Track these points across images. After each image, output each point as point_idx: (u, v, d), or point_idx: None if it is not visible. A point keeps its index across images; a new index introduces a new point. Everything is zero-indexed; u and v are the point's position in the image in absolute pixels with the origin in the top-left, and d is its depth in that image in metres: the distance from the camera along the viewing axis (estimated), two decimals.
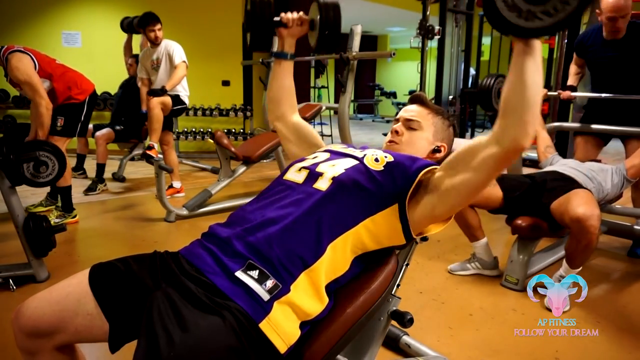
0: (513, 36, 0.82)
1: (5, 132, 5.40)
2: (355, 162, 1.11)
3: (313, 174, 1.10)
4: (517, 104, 0.88)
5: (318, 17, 1.30)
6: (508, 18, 0.73)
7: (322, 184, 1.05)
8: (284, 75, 1.40)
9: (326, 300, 0.99)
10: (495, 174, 0.97)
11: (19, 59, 2.80)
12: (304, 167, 1.14)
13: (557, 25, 0.73)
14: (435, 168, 1.08)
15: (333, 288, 1.02)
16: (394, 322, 1.21)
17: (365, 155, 1.13)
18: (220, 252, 0.97)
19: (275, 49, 1.40)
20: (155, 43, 3.84)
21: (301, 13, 1.34)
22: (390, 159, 1.11)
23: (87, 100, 3.15)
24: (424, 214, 1.06)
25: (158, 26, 3.78)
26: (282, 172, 1.20)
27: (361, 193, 1.03)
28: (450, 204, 1.04)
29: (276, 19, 1.32)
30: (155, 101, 3.66)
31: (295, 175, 1.13)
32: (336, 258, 0.98)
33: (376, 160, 1.10)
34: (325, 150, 1.23)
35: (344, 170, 1.08)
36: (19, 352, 0.98)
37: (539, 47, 0.86)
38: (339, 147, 1.24)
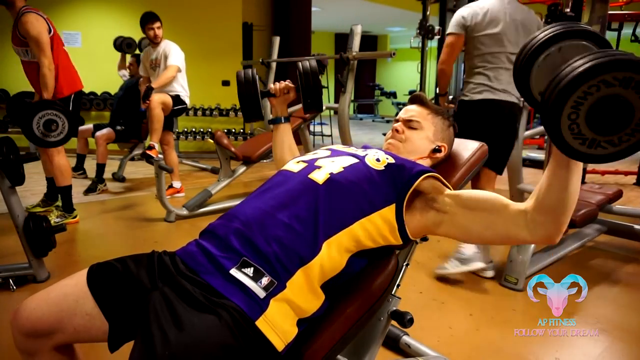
0: (574, 159, 0.81)
1: (7, 105, 5.27)
2: (356, 160, 1.11)
3: (311, 166, 1.11)
4: (557, 207, 0.89)
5: (299, 83, 1.44)
6: (571, 144, 0.73)
7: (318, 176, 1.06)
8: (284, 136, 1.50)
9: (322, 297, 0.98)
10: (505, 244, 0.98)
11: (36, 17, 2.90)
12: (303, 161, 1.15)
13: (618, 154, 0.73)
14: (436, 175, 1.09)
15: (332, 287, 1.01)
16: (394, 322, 1.21)
17: (366, 154, 1.13)
18: (215, 249, 0.96)
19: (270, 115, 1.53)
20: (154, 42, 3.85)
21: (287, 81, 1.47)
22: (392, 160, 1.11)
23: (72, 96, 3.12)
24: (426, 227, 1.07)
25: (156, 24, 3.79)
26: (281, 166, 1.21)
27: (358, 192, 1.04)
28: (447, 233, 1.06)
29: (266, 90, 1.48)
30: (156, 101, 3.66)
31: (293, 166, 1.15)
32: (332, 255, 0.98)
33: (377, 160, 1.11)
34: (327, 149, 1.24)
35: (342, 169, 1.08)
36: (18, 352, 0.98)
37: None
38: (341, 147, 1.25)
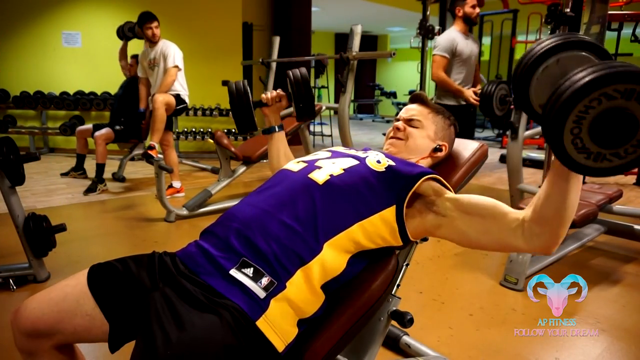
0: (579, 174, 0.80)
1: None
2: (356, 162, 1.11)
3: (311, 166, 1.11)
4: (555, 219, 0.88)
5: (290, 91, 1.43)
6: (575, 159, 0.72)
7: (319, 176, 1.06)
8: (279, 144, 1.49)
9: (322, 298, 0.98)
10: (501, 251, 0.98)
11: None
12: (303, 161, 1.16)
13: (624, 166, 0.72)
14: (436, 177, 1.09)
15: (333, 287, 1.01)
16: (394, 322, 1.21)
17: (367, 156, 1.13)
18: (214, 250, 0.96)
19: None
20: (152, 41, 3.85)
21: (279, 90, 1.46)
22: (392, 162, 1.11)
23: None
24: (425, 229, 1.07)
25: (155, 24, 3.79)
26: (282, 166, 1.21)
27: (358, 193, 1.03)
28: (447, 236, 1.06)
29: (257, 100, 1.45)
30: (160, 101, 3.66)
31: (294, 165, 1.15)
32: (332, 256, 0.98)
33: (378, 162, 1.11)
34: (328, 150, 1.24)
35: (342, 170, 1.08)
36: (18, 352, 0.98)
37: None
38: (341, 149, 1.25)
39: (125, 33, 4.61)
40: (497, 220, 0.97)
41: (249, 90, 1.40)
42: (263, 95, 1.45)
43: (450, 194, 1.06)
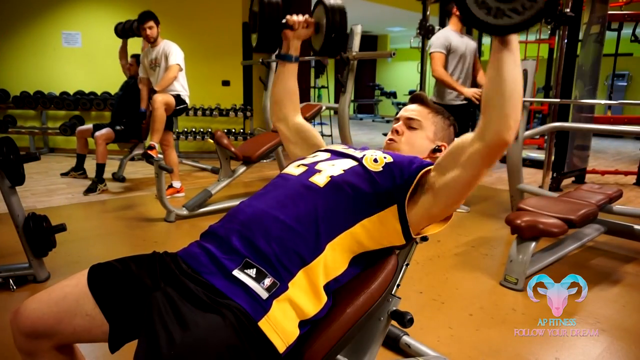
0: (485, 32, 0.83)
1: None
2: (354, 163, 1.11)
3: (311, 170, 1.11)
4: (497, 98, 0.88)
5: (324, 20, 1.31)
6: (477, 15, 0.75)
7: (319, 179, 1.06)
8: (288, 77, 1.40)
9: (324, 299, 0.98)
10: (483, 169, 0.97)
11: None
12: (303, 164, 1.15)
13: (525, 23, 0.74)
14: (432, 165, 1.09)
15: (333, 287, 1.01)
16: (394, 322, 1.20)
17: (364, 155, 1.13)
18: (217, 250, 0.96)
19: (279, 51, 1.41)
20: (150, 41, 3.85)
21: (307, 16, 1.35)
22: (389, 159, 1.10)
23: None
24: (421, 214, 1.06)
25: (149, 24, 3.78)
26: (282, 169, 1.21)
27: (358, 194, 1.03)
28: (444, 202, 1.04)
29: (283, 21, 1.32)
30: (160, 101, 3.66)
31: (294, 169, 1.14)
32: (334, 257, 0.98)
33: (375, 160, 1.10)
34: (326, 150, 1.24)
35: (342, 172, 1.08)
36: (18, 352, 0.98)
37: (516, 42, 0.87)
38: (340, 147, 1.24)
39: (121, 31, 4.59)
40: (463, 147, 0.97)
41: (281, 6, 1.29)
42: (289, 17, 1.33)
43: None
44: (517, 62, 0.87)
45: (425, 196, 1.05)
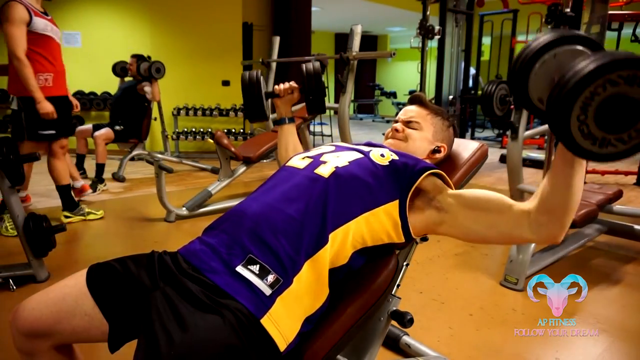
0: (587, 160, 0.81)
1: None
2: (361, 155, 1.12)
3: (316, 162, 1.11)
4: (560, 206, 0.89)
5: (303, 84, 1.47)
6: (583, 146, 0.74)
7: (324, 171, 1.06)
8: (288, 137, 1.51)
9: (327, 292, 0.98)
10: (507, 244, 0.98)
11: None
12: (308, 157, 1.15)
13: (628, 152, 0.74)
14: (438, 172, 1.09)
15: (333, 280, 1.01)
16: (394, 322, 1.21)
17: (371, 150, 1.14)
18: (220, 246, 0.96)
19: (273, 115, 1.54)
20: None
21: (292, 82, 1.49)
22: (395, 157, 1.12)
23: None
24: (424, 226, 1.07)
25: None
26: (286, 161, 1.21)
27: (363, 186, 1.04)
28: (449, 233, 1.06)
29: (270, 91, 1.50)
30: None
31: (299, 162, 1.14)
32: (337, 248, 0.98)
33: (382, 155, 1.11)
34: (331, 144, 1.24)
35: (347, 163, 1.08)
36: (17, 352, 0.98)
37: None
38: (345, 143, 1.25)
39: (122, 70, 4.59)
40: (502, 214, 0.97)
41: (261, 80, 1.45)
42: (275, 87, 1.48)
43: (452, 191, 1.07)
44: (583, 175, 0.88)
45: (432, 212, 1.06)
